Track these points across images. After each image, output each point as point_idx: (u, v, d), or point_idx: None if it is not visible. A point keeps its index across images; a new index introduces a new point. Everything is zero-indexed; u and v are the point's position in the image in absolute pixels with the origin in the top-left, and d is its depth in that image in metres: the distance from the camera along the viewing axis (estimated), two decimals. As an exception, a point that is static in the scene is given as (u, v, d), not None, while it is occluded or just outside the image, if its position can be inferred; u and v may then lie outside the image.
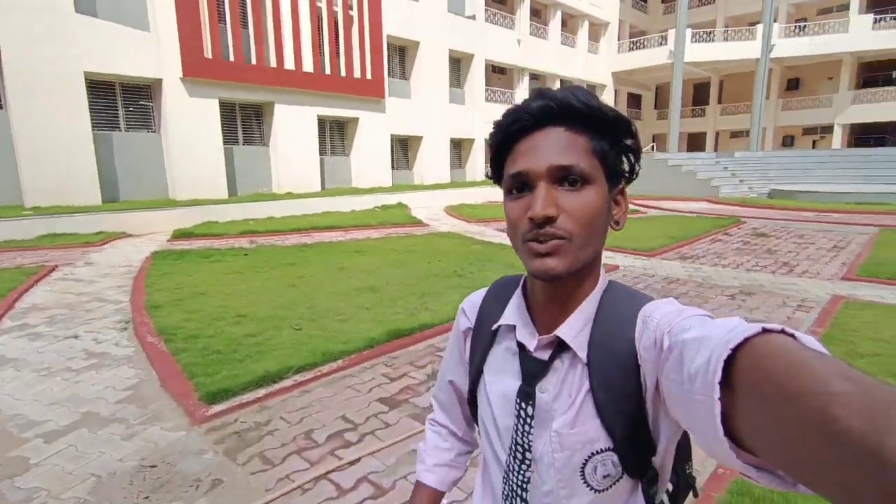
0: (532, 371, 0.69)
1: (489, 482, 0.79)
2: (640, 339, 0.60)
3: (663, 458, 0.66)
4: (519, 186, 0.64)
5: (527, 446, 0.69)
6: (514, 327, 0.72)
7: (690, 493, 0.76)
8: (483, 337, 0.78)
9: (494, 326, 0.75)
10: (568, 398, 0.66)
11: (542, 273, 0.61)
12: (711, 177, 18.40)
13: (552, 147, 0.61)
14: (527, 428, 0.68)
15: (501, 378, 0.73)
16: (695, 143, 31.87)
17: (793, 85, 29.24)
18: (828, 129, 27.27)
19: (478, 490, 0.84)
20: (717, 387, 0.40)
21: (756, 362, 0.38)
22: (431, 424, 0.96)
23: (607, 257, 7.06)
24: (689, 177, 18.33)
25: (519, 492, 0.70)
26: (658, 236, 9.11)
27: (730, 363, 0.40)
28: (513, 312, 0.73)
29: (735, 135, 30.49)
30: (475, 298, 0.84)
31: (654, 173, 18.46)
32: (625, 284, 0.71)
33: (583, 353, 0.65)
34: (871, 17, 23.33)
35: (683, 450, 0.72)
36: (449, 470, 0.92)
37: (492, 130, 0.68)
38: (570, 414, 0.65)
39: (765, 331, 0.41)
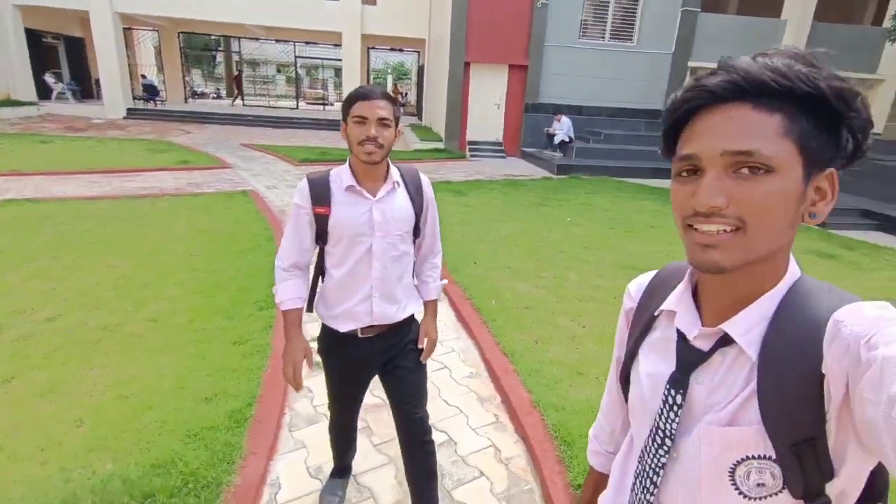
0: (688, 360, 0.66)
1: (632, 455, 0.80)
2: (829, 346, 0.53)
3: (844, 486, 0.59)
4: (690, 170, 0.59)
5: (668, 433, 0.67)
6: (675, 314, 0.70)
7: None
8: (643, 319, 0.77)
9: (656, 312, 0.74)
10: (727, 394, 0.62)
11: (704, 266, 0.58)
12: None
13: (731, 129, 0.54)
14: (671, 415, 0.66)
15: (655, 361, 0.72)
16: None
17: None
18: None
19: (619, 459, 0.85)
20: None
21: None
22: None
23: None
24: None
25: (650, 474, 0.70)
26: None
27: None
28: (676, 298, 0.71)
29: None
30: (643, 280, 0.83)
31: None
32: (824, 283, 0.62)
33: (752, 351, 0.60)
34: None
35: (878, 484, 0.63)
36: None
37: (668, 105, 0.61)
38: (727, 411, 0.61)
39: None
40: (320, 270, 1.65)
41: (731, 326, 0.61)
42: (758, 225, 0.54)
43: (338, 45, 16.55)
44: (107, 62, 15.45)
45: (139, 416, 2.40)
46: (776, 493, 0.59)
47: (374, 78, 30.51)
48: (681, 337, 0.67)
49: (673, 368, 0.67)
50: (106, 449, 2.18)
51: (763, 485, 0.59)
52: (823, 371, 0.53)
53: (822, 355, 0.54)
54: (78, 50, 18.94)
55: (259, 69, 31.84)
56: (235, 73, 23.12)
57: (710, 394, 0.63)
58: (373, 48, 22.20)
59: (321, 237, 1.56)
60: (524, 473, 2.30)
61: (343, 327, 1.61)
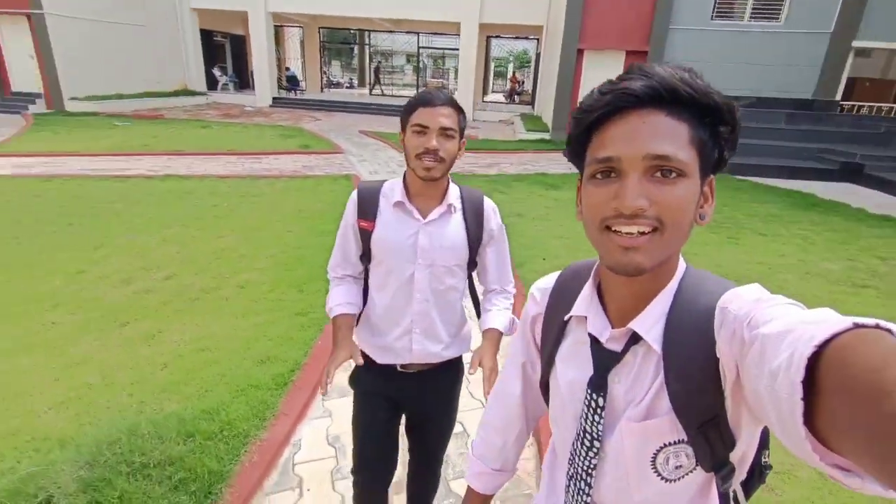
0: (604, 362, 0.68)
1: (558, 460, 0.82)
2: (719, 331, 0.57)
3: (744, 452, 0.64)
4: (606, 172, 0.59)
5: (595, 435, 0.69)
6: (585, 318, 0.72)
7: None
8: (554, 326, 0.78)
9: (566, 317, 0.74)
10: (641, 389, 0.65)
11: (625, 268, 0.59)
12: None
13: (651, 133, 0.56)
14: (596, 417, 0.68)
15: (572, 367, 0.73)
16: None
17: None
18: None
19: (546, 469, 0.87)
20: (800, 386, 0.38)
21: (845, 359, 0.36)
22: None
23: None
24: None
25: (584, 476, 0.72)
26: None
27: (815, 359, 0.38)
28: (584, 303, 0.72)
29: None
30: (545, 284, 0.84)
31: None
32: (705, 272, 0.67)
33: (657, 345, 0.63)
34: None
35: (761, 437, 0.69)
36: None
37: (581, 106, 0.61)
38: (643, 405, 0.64)
39: (856, 326, 0.38)
40: (365, 292, 1.51)
41: (637, 325, 0.64)
42: (673, 225, 0.57)
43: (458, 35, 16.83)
44: (259, 56, 17.59)
45: (207, 368, 2.85)
46: (691, 472, 0.64)
47: (494, 66, 30.39)
48: (593, 340, 0.69)
49: (591, 372, 0.69)
50: (175, 391, 2.64)
51: (680, 466, 0.64)
52: (718, 355, 0.57)
53: (714, 341, 0.58)
54: (240, 46, 21.82)
55: (391, 59, 33.74)
56: (375, 64, 24.83)
57: (627, 391, 0.66)
58: (495, 36, 22.20)
59: (366, 254, 1.43)
60: (528, 478, 2.29)
61: (381, 359, 1.47)
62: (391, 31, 22.67)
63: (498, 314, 1.49)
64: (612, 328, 0.68)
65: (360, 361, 1.37)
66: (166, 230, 5.13)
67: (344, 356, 1.37)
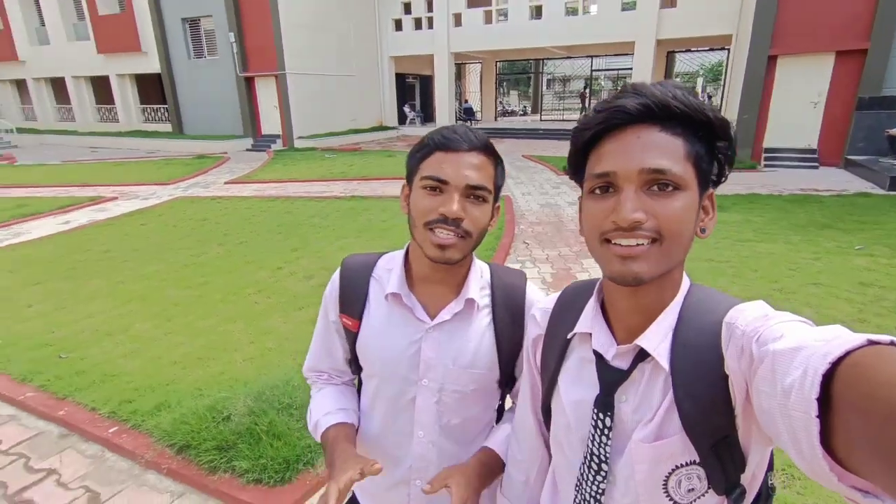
0: (610, 380, 0.65)
1: (560, 490, 0.77)
2: (727, 348, 0.56)
3: (754, 472, 0.63)
4: (603, 187, 0.60)
5: (603, 457, 0.66)
6: (589, 335, 0.69)
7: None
8: (556, 345, 0.74)
9: (570, 335, 0.71)
10: (650, 408, 0.63)
11: (625, 278, 0.58)
12: None
13: (645, 148, 0.57)
14: (603, 439, 0.66)
15: (577, 387, 0.70)
16: None
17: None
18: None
19: (546, 498, 0.82)
20: (815, 403, 0.37)
21: (861, 376, 0.35)
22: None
23: None
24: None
25: (592, 502, 0.68)
26: None
27: (829, 377, 0.37)
28: (588, 320, 0.69)
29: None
30: (546, 304, 0.81)
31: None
32: (710, 288, 0.66)
33: (665, 362, 0.61)
34: None
35: (770, 457, 0.67)
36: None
37: (578, 125, 0.63)
38: (652, 425, 0.62)
39: (870, 342, 0.37)
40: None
41: (644, 341, 0.62)
42: (672, 237, 0.58)
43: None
44: (441, 92, 19.66)
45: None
46: (703, 495, 0.62)
47: (684, 83, 27.99)
48: (599, 358, 0.67)
49: (596, 391, 0.67)
50: (270, 364, 3.35)
51: (692, 489, 0.62)
52: (727, 372, 0.56)
53: (722, 357, 0.57)
54: (428, 85, 24.61)
55: (568, 85, 33.97)
56: (581, 91, 25.45)
57: (635, 410, 0.64)
58: (679, 51, 20.76)
59: (354, 361, 1.02)
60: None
61: None
62: (567, 58, 23.00)
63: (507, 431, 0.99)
64: (618, 345, 0.66)
65: (379, 468, 0.80)
66: (342, 239, 6.26)
67: (349, 477, 0.78)
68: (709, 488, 0.61)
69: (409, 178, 0.91)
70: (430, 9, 19.05)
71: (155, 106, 20.83)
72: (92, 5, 19.07)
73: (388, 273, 0.96)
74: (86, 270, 5.29)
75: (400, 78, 21.82)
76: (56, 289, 4.75)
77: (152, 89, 20.84)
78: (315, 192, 9.51)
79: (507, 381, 0.99)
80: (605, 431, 0.66)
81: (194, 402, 2.79)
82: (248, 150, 17.13)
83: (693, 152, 0.58)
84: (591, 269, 5.10)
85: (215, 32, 17.46)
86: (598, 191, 0.61)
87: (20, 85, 23.79)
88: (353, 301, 0.97)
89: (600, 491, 0.67)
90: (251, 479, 2.31)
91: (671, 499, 0.62)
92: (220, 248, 6.04)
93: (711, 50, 20.63)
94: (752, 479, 0.63)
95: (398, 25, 19.99)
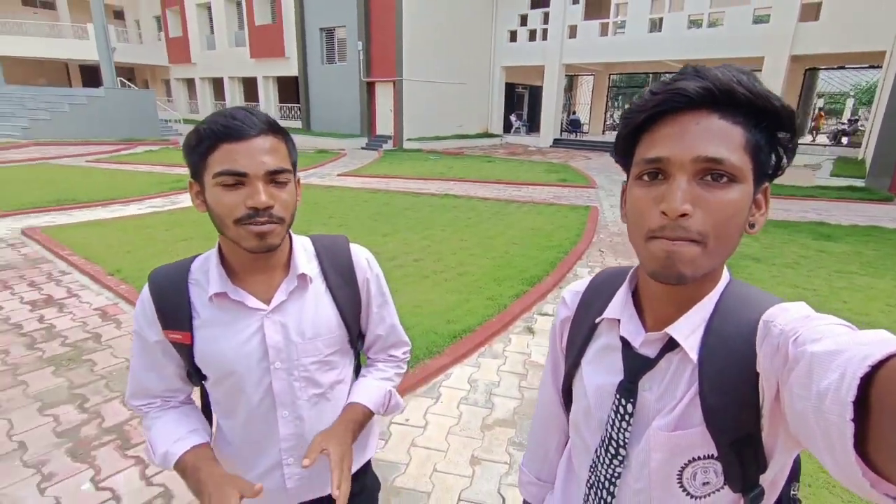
0: (636, 367, 0.66)
1: (574, 469, 0.79)
2: (761, 345, 0.55)
3: (775, 475, 0.62)
4: (653, 173, 0.57)
5: (621, 442, 0.67)
6: (617, 322, 0.69)
7: None
8: (583, 328, 0.75)
9: (598, 320, 0.72)
10: (673, 398, 0.62)
11: (668, 276, 0.56)
12: None
13: (702, 135, 0.54)
14: (623, 424, 0.66)
15: (601, 371, 0.71)
16: None
17: None
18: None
19: (560, 475, 0.84)
20: (850, 406, 0.36)
21: None
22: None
23: None
24: None
25: (606, 485, 0.69)
26: None
27: (868, 381, 0.36)
28: (618, 306, 0.70)
29: None
30: (578, 287, 0.81)
31: None
32: (750, 284, 0.65)
33: (694, 354, 0.60)
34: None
35: (793, 468, 0.66)
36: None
37: (631, 106, 0.60)
38: (673, 415, 0.62)
39: None
40: (207, 413, 1.05)
41: (675, 330, 0.61)
42: (718, 237, 0.55)
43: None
44: (548, 103, 19.80)
45: (415, 321, 4.04)
46: (718, 490, 0.61)
47: (825, 103, 24.95)
48: (625, 344, 0.67)
49: (620, 377, 0.67)
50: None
51: (707, 483, 0.61)
52: (758, 370, 0.55)
53: (755, 355, 0.55)
54: (536, 95, 24.83)
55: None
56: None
57: (658, 399, 0.64)
58: (824, 68, 18.72)
59: (195, 372, 0.96)
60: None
61: None
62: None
63: (371, 385, 1.06)
64: (646, 332, 0.66)
65: (258, 489, 0.80)
66: (428, 230, 6.84)
67: (227, 499, 0.77)
68: (724, 484, 0.61)
69: (196, 176, 0.84)
70: (545, 21, 19.30)
71: (290, 105, 23.62)
72: (251, 16, 22.19)
73: (205, 275, 0.92)
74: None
75: (509, 87, 22.31)
76: (196, 245, 5.88)
77: (289, 90, 23.63)
78: (413, 188, 10.30)
79: (357, 338, 1.04)
80: (627, 417, 0.66)
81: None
82: (362, 148, 18.71)
83: (752, 142, 0.55)
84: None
85: (346, 41, 19.37)
86: (646, 177, 0.58)
87: (189, 83, 28.30)
88: (174, 313, 0.90)
89: (616, 475, 0.68)
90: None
91: (685, 490, 0.62)
92: (323, 227, 6.93)
93: (869, 67, 18.28)
94: (772, 483, 0.62)
95: (513, 37, 20.53)
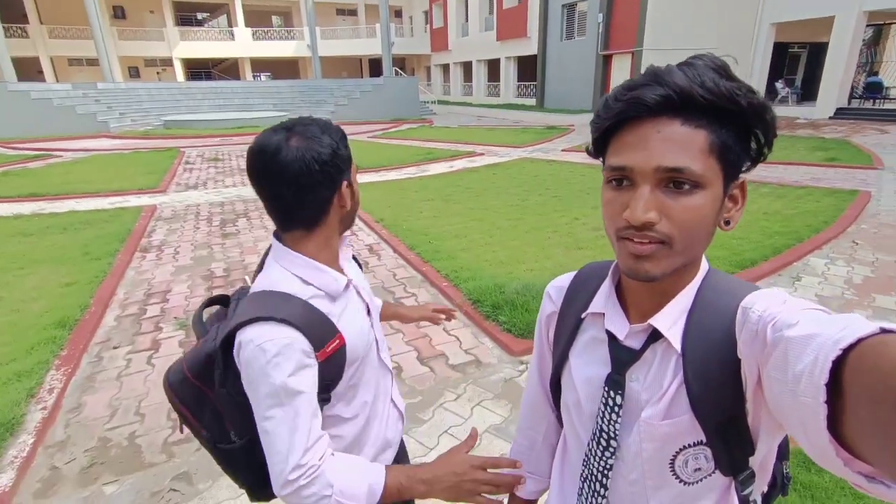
0: (622, 359, 0.67)
1: (569, 463, 0.81)
2: (740, 332, 0.56)
3: (764, 457, 0.64)
4: (619, 179, 0.58)
5: (612, 434, 0.68)
6: (602, 315, 0.70)
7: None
8: (569, 323, 0.76)
9: (583, 315, 0.73)
10: (659, 388, 0.64)
11: (637, 275, 0.58)
12: (94, 111, 17.97)
13: (662, 144, 0.54)
14: (613, 416, 0.67)
15: (588, 365, 0.72)
16: (24, 69, 23.81)
17: (119, 13, 29.66)
18: (167, 62, 30.07)
19: (556, 469, 0.87)
20: (823, 389, 0.37)
21: (871, 363, 0.35)
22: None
23: None
24: (66, 112, 17.41)
25: (599, 477, 0.71)
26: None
27: (840, 364, 0.37)
28: (602, 300, 0.70)
29: (73, 62, 29.13)
30: (561, 283, 0.82)
31: (16, 109, 16.55)
32: (727, 273, 0.66)
33: (677, 344, 0.62)
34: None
35: (781, 447, 0.70)
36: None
37: (598, 112, 0.60)
38: (661, 405, 0.63)
39: (883, 331, 0.37)
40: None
41: (657, 321, 0.63)
42: (684, 238, 0.56)
43: None
44: (834, 63, 15.94)
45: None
46: (710, 475, 0.64)
47: None
48: (611, 337, 0.69)
49: (608, 370, 0.68)
50: (542, 275, 4.38)
51: (699, 469, 0.64)
52: (739, 356, 0.57)
53: (736, 342, 0.57)
54: (818, 56, 20.09)
55: None
56: None
57: (645, 390, 0.65)
58: None
59: (327, 390, 0.91)
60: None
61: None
62: None
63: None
64: (630, 325, 0.67)
65: (474, 434, 0.93)
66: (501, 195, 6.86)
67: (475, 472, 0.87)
68: (715, 469, 0.62)
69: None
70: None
71: (526, 83, 24.75)
72: (500, 1, 23.82)
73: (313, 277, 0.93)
74: (455, 198, 7.78)
75: (779, 48, 18.67)
76: (436, 206, 7.29)
77: (527, 68, 24.72)
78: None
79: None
80: (616, 409, 0.67)
81: (489, 281, 4.32)
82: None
83: (718, 144, 0.55)
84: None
85: (587, 14, 19.19)
86: (614, 182, 0.59)
87: (444, 68, 32.19)
88: (320, 327, 0.87)
89: (608, 466, 0.69)
90: (506, 328, 3.62)
91: (678, 477, 0.64)
92: (539, 197, 7.62)
93: None
94: (761, 465, 0.64)
95: (792, -15, 17.02)
